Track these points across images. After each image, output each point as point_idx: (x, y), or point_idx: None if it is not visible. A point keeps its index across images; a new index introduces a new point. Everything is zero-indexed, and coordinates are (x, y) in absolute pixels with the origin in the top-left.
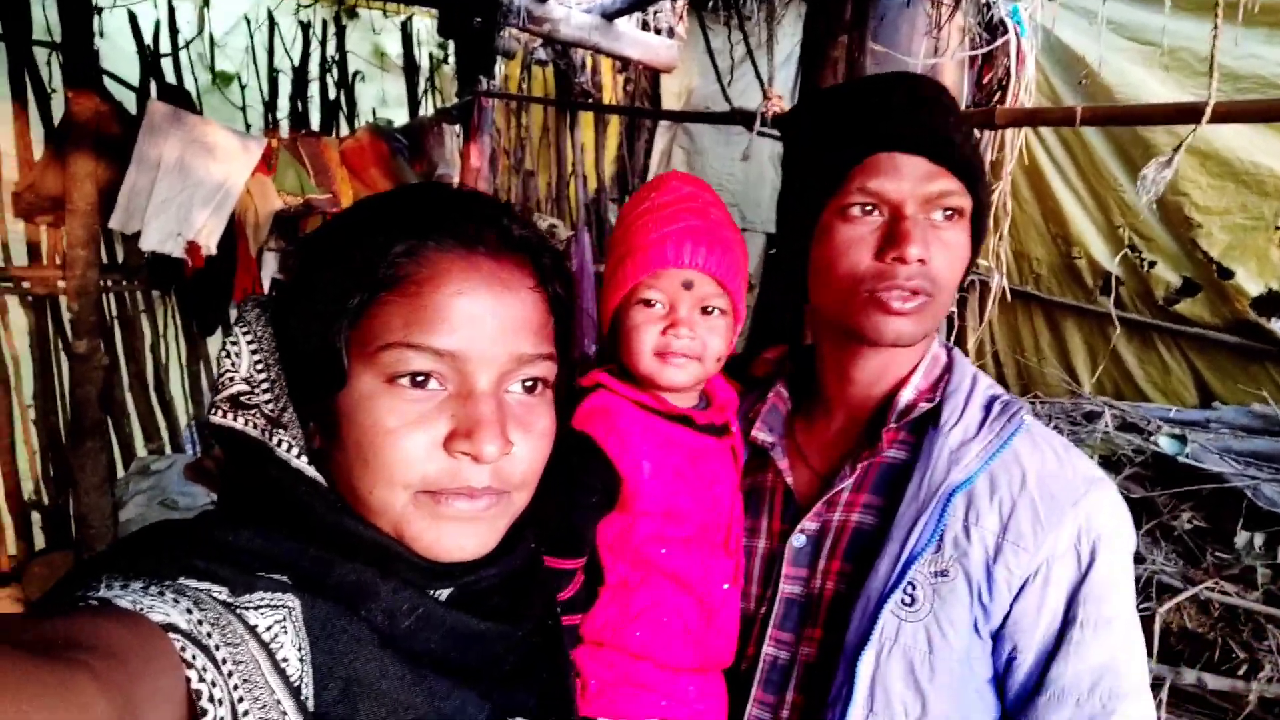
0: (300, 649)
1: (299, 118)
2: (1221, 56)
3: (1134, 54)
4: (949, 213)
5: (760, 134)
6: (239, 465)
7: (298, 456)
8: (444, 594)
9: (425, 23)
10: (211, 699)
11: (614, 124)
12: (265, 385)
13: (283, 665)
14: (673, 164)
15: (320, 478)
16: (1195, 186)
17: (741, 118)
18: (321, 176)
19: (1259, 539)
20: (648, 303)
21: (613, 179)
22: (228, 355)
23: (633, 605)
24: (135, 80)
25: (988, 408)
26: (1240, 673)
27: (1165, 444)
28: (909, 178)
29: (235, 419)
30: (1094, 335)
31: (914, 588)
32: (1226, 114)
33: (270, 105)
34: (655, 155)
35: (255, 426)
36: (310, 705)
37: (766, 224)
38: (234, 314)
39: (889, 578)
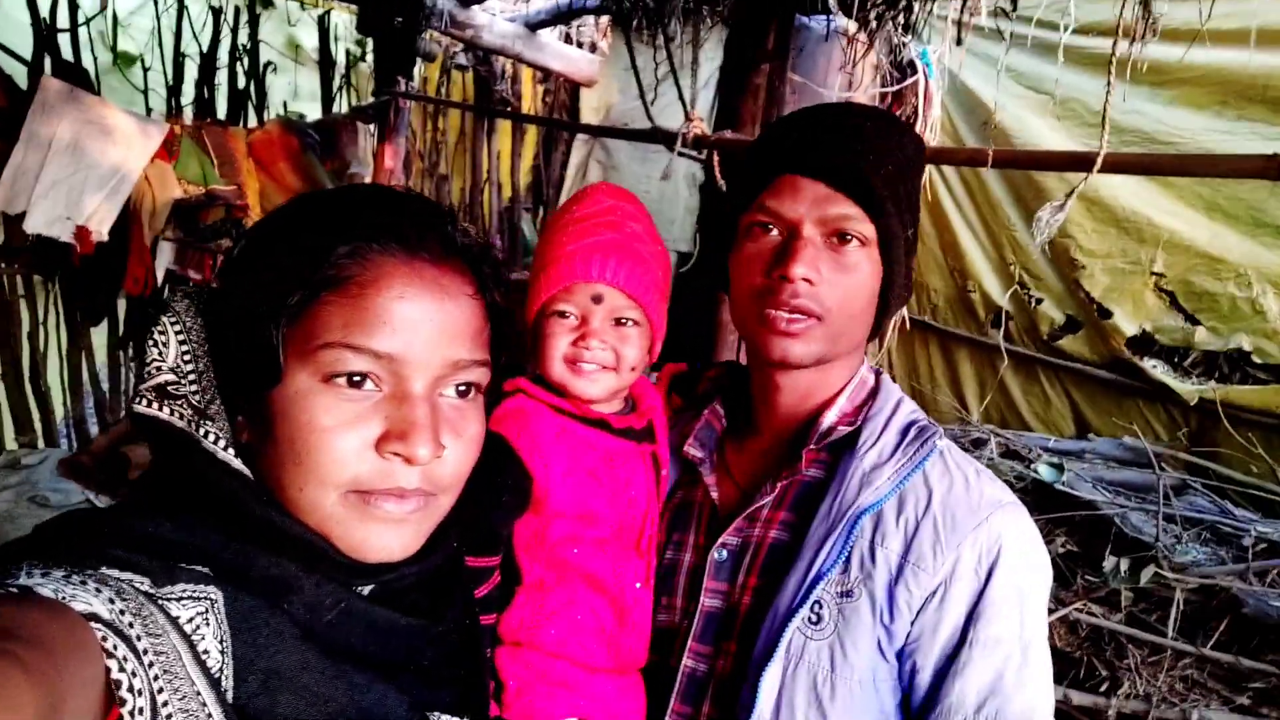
0: (222, 641)
1: (204, 105)
2: (1114, 113)
3: (1031, 102)
4: (846, 237)
5: (680, 154)
6: (163, 456)
7: (225, 449)
8: (366, 589)
9: (344, 18)
10: (131, 689)
11: (531, 134)
12: (193, 376)
13: (204, 657)
14: (589, 177)
15: (247, 471)
16: (1081, 231)
17: (663, 137)
18: (226, 167)
19: (1124, 564)
20: (561, 314)
21: (527, 189)
22: (154, 344)
23: (547, 604)
24: (28, 54)
25: (904, 432)
26: (1102, 689)
27: (1044, 472)
28: (806, 200)
29: (161, 409)
30: (984, 366)
31: (820, 606)
32: (1115, 164)
33: (174, 90)
34: (571, 168)
35: (182, 417)
36: (230, 696)
37: (678, 242)
38: (122, 304)
39: (795, 595)
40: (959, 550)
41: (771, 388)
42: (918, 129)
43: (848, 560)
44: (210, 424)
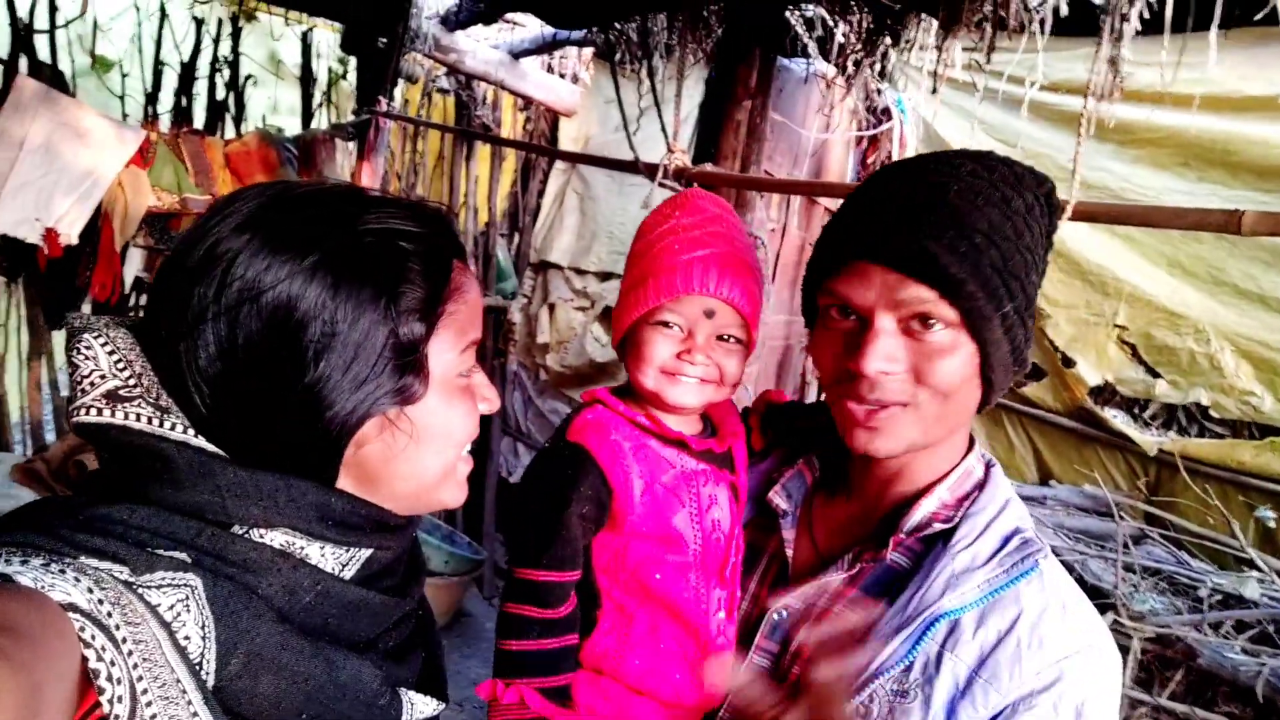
0: (203, 627)
1: (182, 114)
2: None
3: (1000, 153)
4: (929, 321)
5: (661, 185)
6: (122, 460)
7: (195, 437)
8: (350, 571)
9: (327, 35)
10: (110, 678)
11: (510, 161)
12: (133, 379)
13: (184, 644)
14: (565, 206)
15: (224, 454)
16: (1048, 281)
17: (645, 168)
18: (201, 177)
19: None
20: (666, 324)
21: (504, 214)
22: (84, 358)
23: (631, 632)
24: (4, 54)
25: (1006, 539)
26: None
27: None
28: (875, 287)
29: (115, 414)
30: None
31: (872, 700)
32: (1085, 214)
33: (152, 98)
34: (548, 196)
35: (140, 418)
36: (210, 682)
37: None
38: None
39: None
40: (1039, 675)
41: (867, 465)
42: None
43: (912, 661)
44: (172, 416)
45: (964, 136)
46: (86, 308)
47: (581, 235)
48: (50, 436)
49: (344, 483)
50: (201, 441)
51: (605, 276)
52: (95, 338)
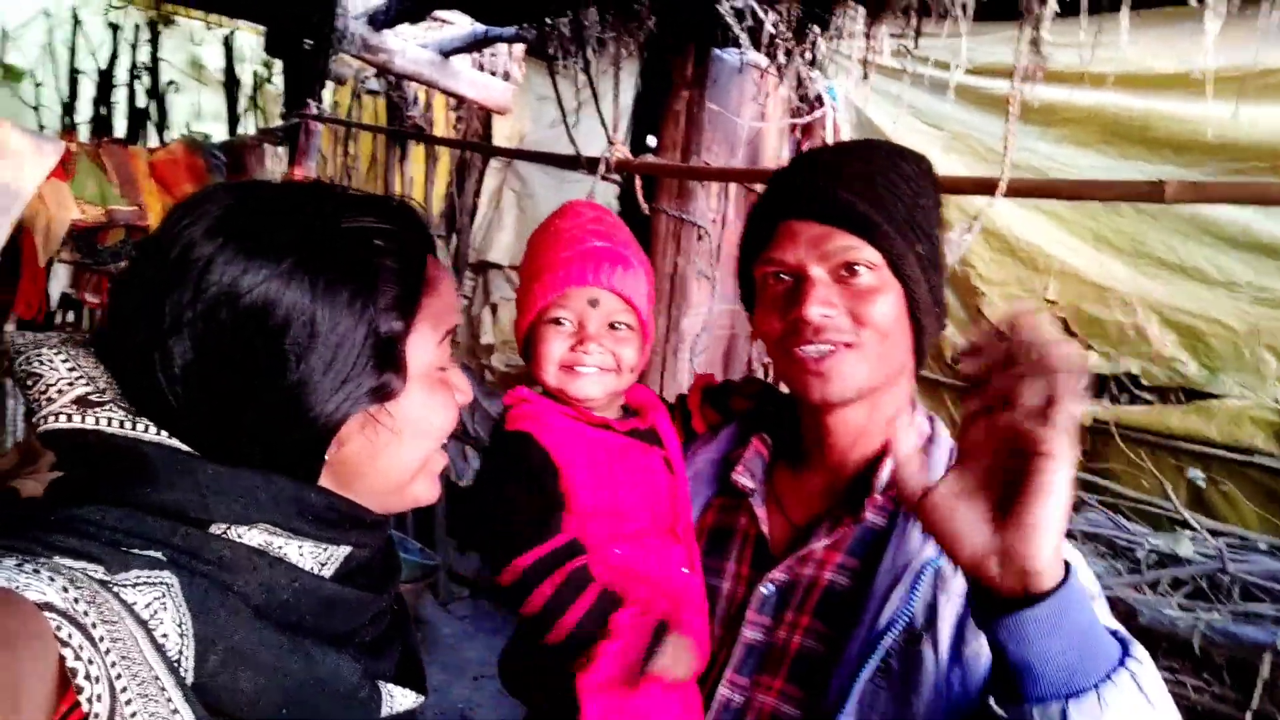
0: (181, 624)
1: (102, 123)
2: (1001, 145)
3: (930, 136)
4: (854, 267)
5: (604, 178)
6: (91, 465)
7: (169, 438)
8: (329, 570)
9: (250, 39)
10: (88, 676)
11: (444, 161)
12: (96, 388)
13: (161, 641)
14: (503, 205)
15: (197, 453)
16: (980, 259)
17: (587, 162)
18: (127, 187)
19: None
20: (557, 321)
21: (441, 216)
22: (42, 368)
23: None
24: None
25: None
26: None
27: None
28: (804, 242)
29: (87, 419)
30: None
31: (890, 657)
32: (1018, 190)
33: (69, 107)
34: (485, 195)
35: (110, 422)
36: (189, 679)
37: None
38: (11, 328)
39: (865, 646)
40: None
41: (822, 429)
42: None
43: (913, 611)
44: (143, 420)
45: (893, 122)
46: (11, 326)
47: (521, 233)
48: None
49: (324, 481)
50: (176, 443)
51: None
52: (52, 350)
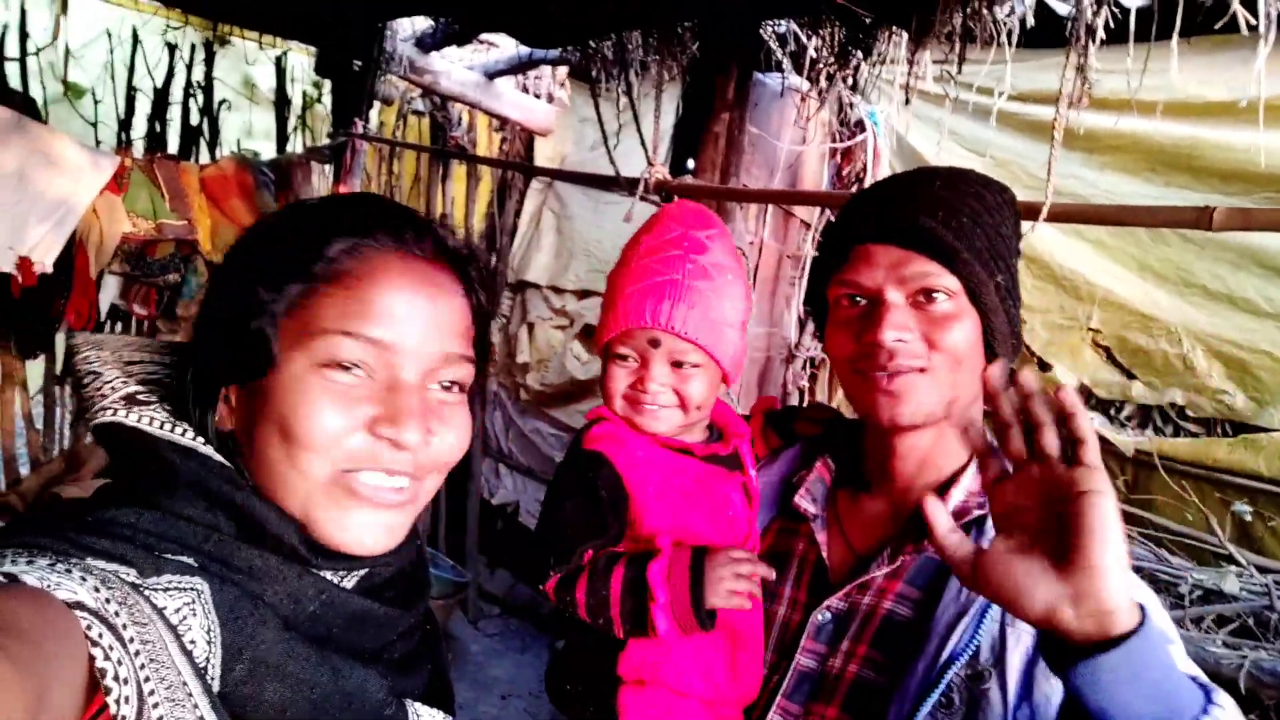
0: (209, 631)
1: (156, 139)
2: (1043, 171)
3: (971, 163)
4: (932, 294)
5: (643, 199)
6: (133, 462)
7: (204, 445)
8: (350, 582)
9: (301, 59)
10: (117, 677)
11: (486, 182)
12: (147, 389)
13: (189, 647)
14: (542, 226)
15: (228, 463)
16: (1022, 287)
17: (626, 183)
18: (177, 201)
19: None
20: (621, 357)
21: (481, 235)
22: (93, 367)
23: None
24: None
25: None
26: None
27: None
28: (882, 266)
29: (129, 415)
30: None
31: (951, 690)
32: (1060, 214)
33: (125, 124)
34: (525, 216)
35: (153, 421)
36: (216, 686)
37: None
38: (61, 338)
39: (926, 679)
40: None
41: (889, 453)
42: (868, 183)
43: (979, 645)
44: (184, 423)
45: (935, 147)
46: (61, 337)
47: (559, 254)
48: (24, 469)
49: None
50: (210, 450)
51: (584, 294)
52: (109, 350)
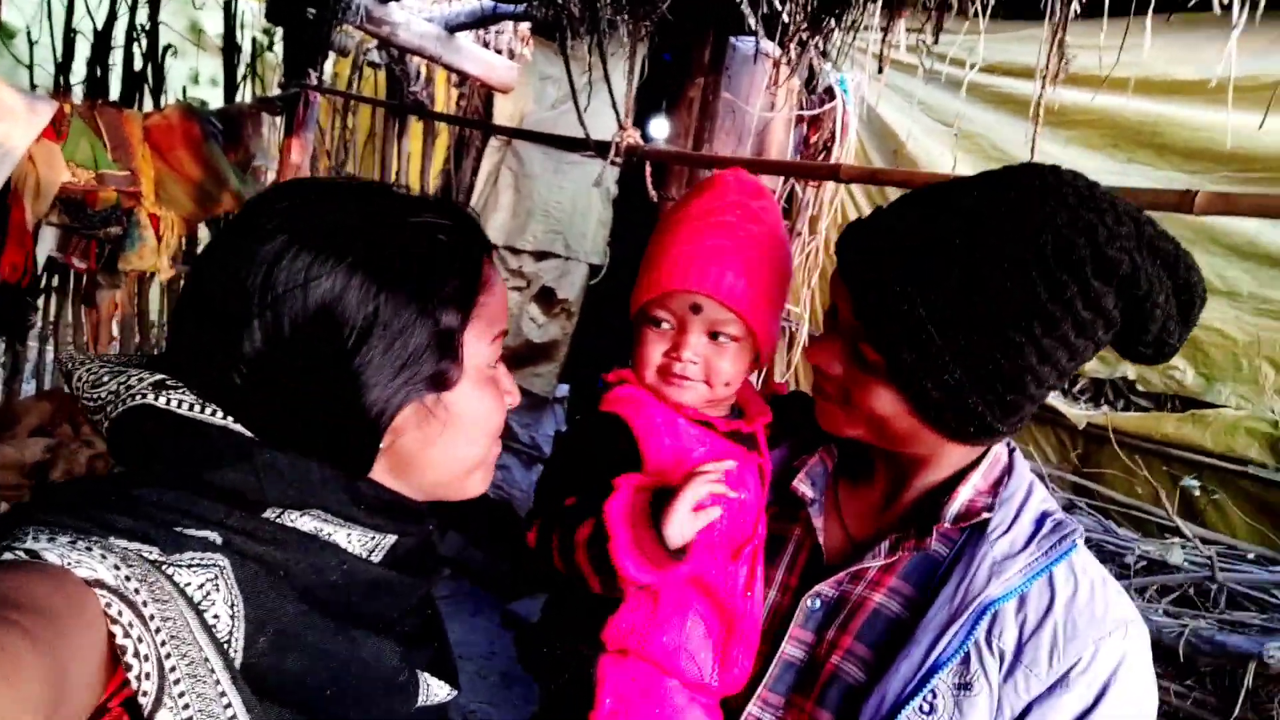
0: (232, 606)
1: (97, 85)
2: (1016, 150)
3: (940, 134)
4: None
5: (613, 163)
6: (160, 443)
7: (234, 423)
8: (379, 556)
9: (251, 4)
10: (137, 654)
11: (442, 138)
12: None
13: (211, 623)
14: (500, 185)
15: (257, 438)
16: None
17: (597, 146)
18: (120, 151)
19: None
20: (656, 321)
21: (437, 192)
22: (125, 368)
23: (659, 608)
24: None
25: (1039, 523)
26: None
27: None
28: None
29: (160, 398)
30: None
31: (935, 696)
32: None
33: (63, 68)
34: (482, 175)
35: (184, 404)
36: (238, 660)
37: (590, 255)
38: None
39: (909, 681)
40: (1075, 660)
41: (891, 450)
42: (834, 153)
43: (968, 652)
44: (211, 404)
45: (904, 117)
46: None
47: (516, 214)
48: None
49: (378, 471)
50: (239, 427)
51: (541, 256)
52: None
